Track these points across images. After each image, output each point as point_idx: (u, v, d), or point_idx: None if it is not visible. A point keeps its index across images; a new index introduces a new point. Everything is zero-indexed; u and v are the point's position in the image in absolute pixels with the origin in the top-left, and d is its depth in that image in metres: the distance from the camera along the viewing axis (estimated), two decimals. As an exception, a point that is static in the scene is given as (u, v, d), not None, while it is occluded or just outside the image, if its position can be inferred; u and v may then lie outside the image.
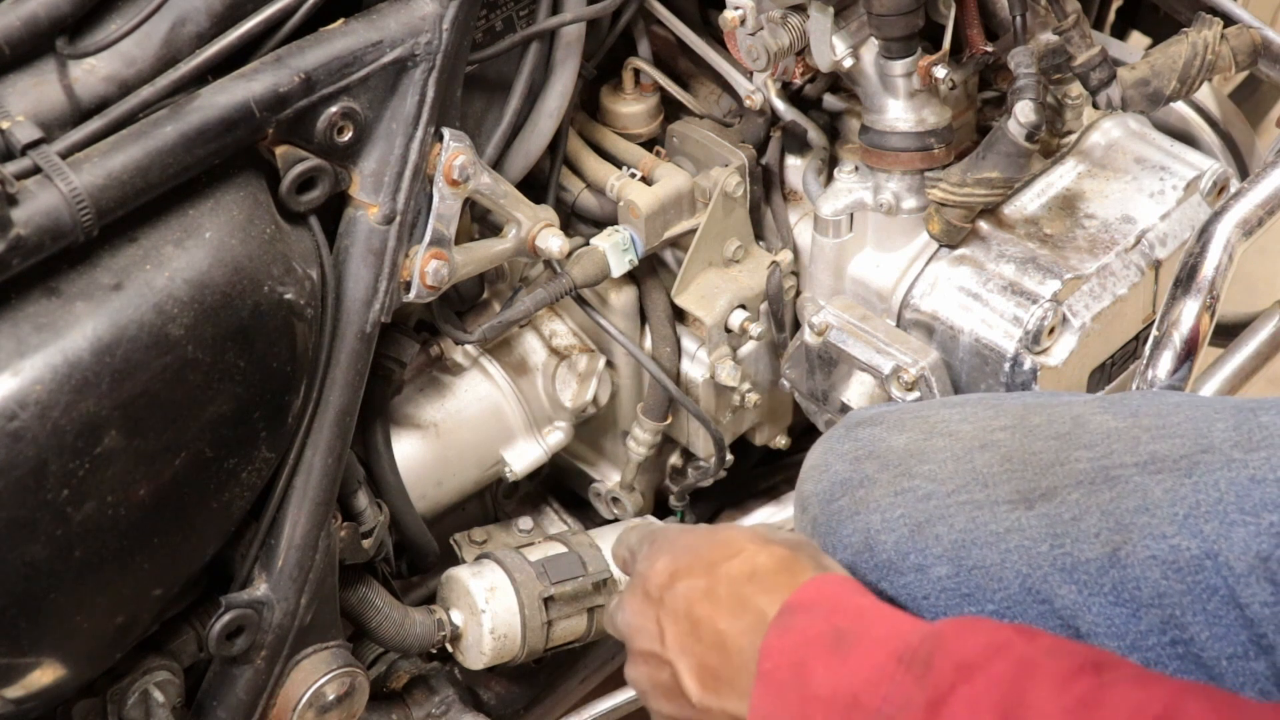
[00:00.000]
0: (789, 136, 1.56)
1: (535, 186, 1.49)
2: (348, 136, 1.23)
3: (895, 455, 1.11)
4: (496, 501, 1.67)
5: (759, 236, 1.57)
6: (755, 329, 1.53)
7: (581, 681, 1.65)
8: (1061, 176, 1.54)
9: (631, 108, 1.56)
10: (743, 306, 1.53)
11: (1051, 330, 1.43)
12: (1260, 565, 0.95)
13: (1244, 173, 1.65)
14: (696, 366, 1.55)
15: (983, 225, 1.48)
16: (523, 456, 1.56)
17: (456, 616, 1.43)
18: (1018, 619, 1.02)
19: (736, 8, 1.42)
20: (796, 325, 1.56)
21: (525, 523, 1.63)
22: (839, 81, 1.56)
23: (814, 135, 1.55)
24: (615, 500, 1.65)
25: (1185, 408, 1.05)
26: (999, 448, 1.08)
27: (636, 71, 1.55)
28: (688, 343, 1.55)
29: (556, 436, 1.57)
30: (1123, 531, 1.00)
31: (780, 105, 1.53)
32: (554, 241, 1.40)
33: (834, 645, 0.96)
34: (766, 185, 1.56)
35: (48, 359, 1.06)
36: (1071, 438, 1.06)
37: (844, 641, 0.96)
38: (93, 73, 1.16)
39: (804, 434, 1.72)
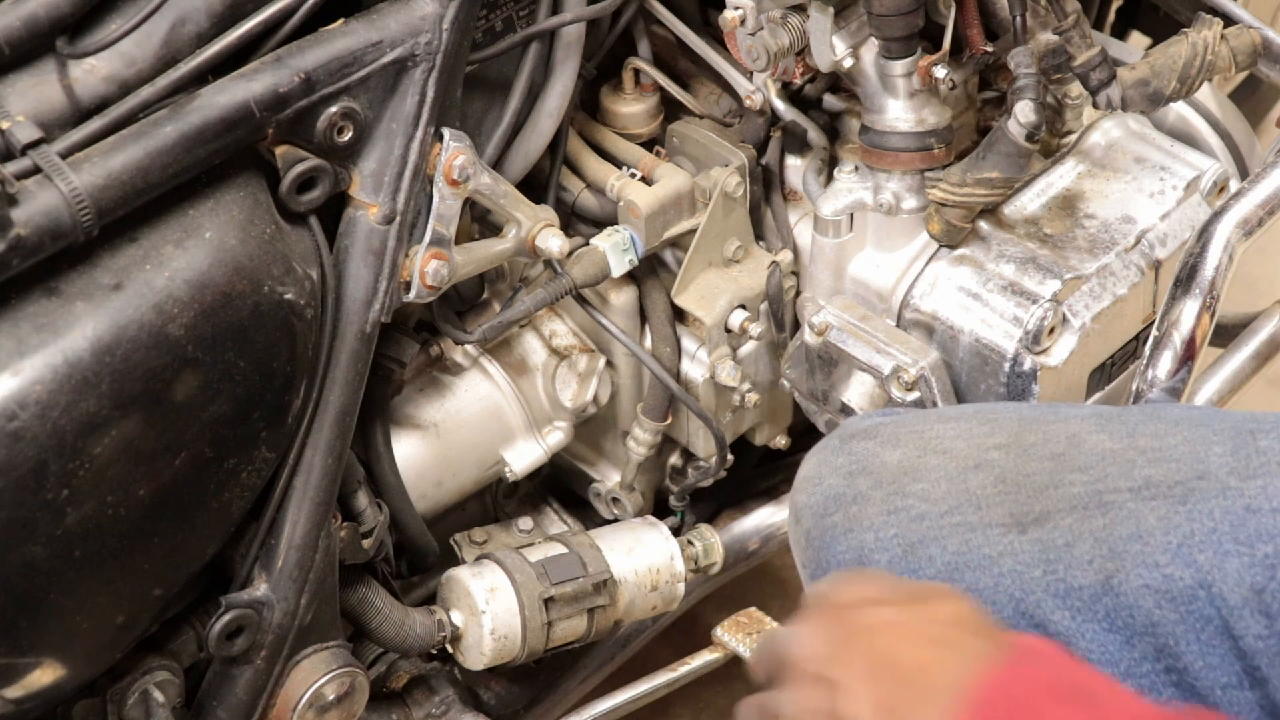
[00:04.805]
0: (789, 136, 1.56)
1: (535, 186, 1.49)
2: (348, 136, 1.23)
3: (889, 472, 1.11)
4: (496, 501, 1.67)
5: (759, 236, 1.57)
6: (755, 329, 1.53)
7: (581, 681, 1.65)
8: (1061, 176, 1.54)
9: (631, 108, 1.56)
10: (743, 306, 1.53)
11: (1051, 330, 1.43)
12: (1254, 598, 0.95)
13: (1244, 173, 1.65)
14: (696, 366, 1.55)
15: (983, 225, 1.48)
16: (523, 456, 1.56)
17: (457, 617, 1.43)
18: None
19: (736, 8, 1.42)
20: (796, 325, 1.56)
21: (525, 523, 1.63)
22: (839, 81, 1.56)
23: (814, 135, 1.55)
24: (615, 500, 1.65)
25: (1184, 427, 1.04)
26: (993, 468, 1.07)
27: (636, 71, 1.54)
28: (688, 343, 1.55)
29: (556, 436, 1.57)
30: (1116, 559, 0.99)
31: (780, 105, 1.53)
32: (554, 241, 1.40)
33: (1069, 697, 0.88)
34: (766, 185, 1.56)
35: (48, 359, 1.06)
36: (1066, 459, 1.06)
37: (1085, 698, 0.88)
38: (93, 73, 1.16)
39: (804, 434, 1.72)
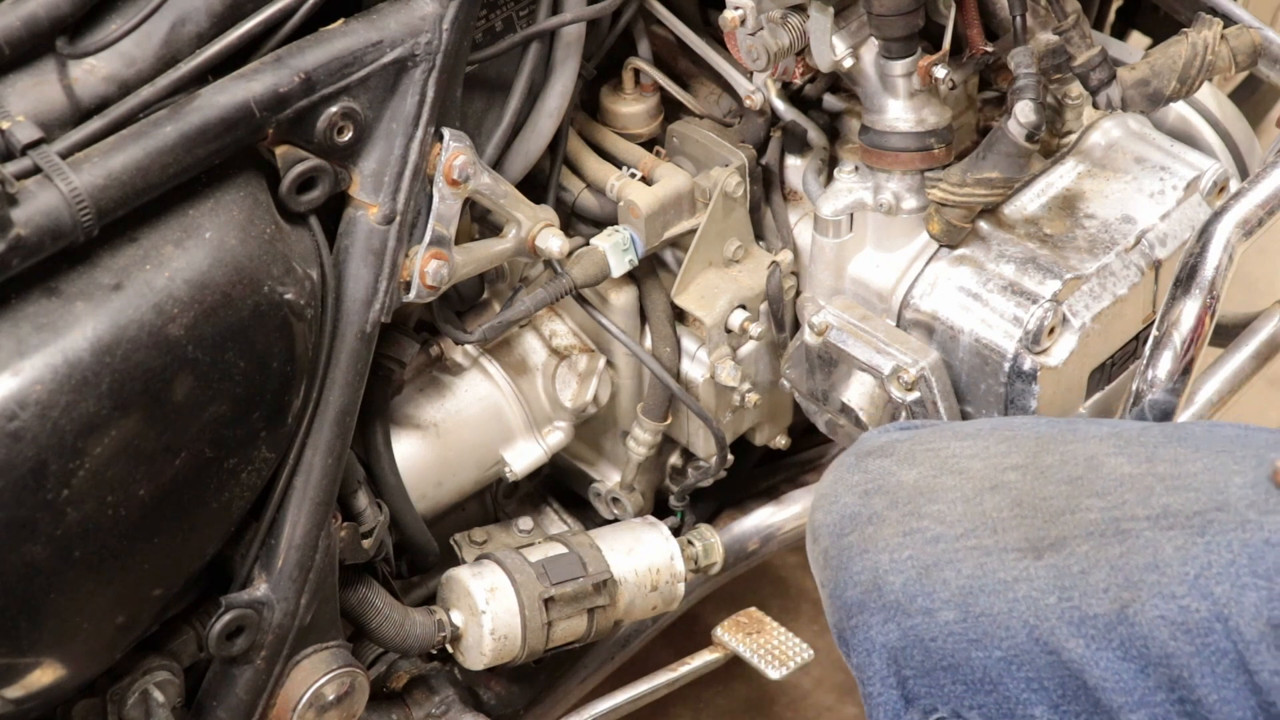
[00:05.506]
0: (789, 136, 1.56)
1: (535, 186, 1.49)
2: (348, 136, 1.23)
3: (905, 492, 1.10)
4: (496, 501, 1.67)
5: (759, 236, 1.57)
6: (755, 329, 1.53)
7: (581, 681, 1.65)
8: (1061, 176, 1.54)
9: (631, 108, 1.56)
10: (743, 306, 1.53)
11: (1051, 330, 1.43)
12: (1271, 632, 0.94)
13: (1244, 173, 1.65)
14: (696, 366, 1.55)
15: (983, 225, 1.48)
16: (523, 456, 1.56)
17: (457, 617, 1.43)
18: (1025, 667, 1.01)
19: (736, 8, 1.42)
20: (796, 325, 1.56)
21: (525, 523, 1.63)
22: (839, 81, 1.56)
23: (814, 135, 1.55)
24: (615, 500, 1.65)
25: (1205, 453, 1.03)
26: (1009, 490, 1.07)
27: (636, 71, 1.54)
28: (688, 343, 1.55)
29: (556, 436, 1.57)
30: (1132, 589, 0.99)
31: (780, 105, 1.53)
32: (554, 241, 1.40)
33: None
34: (766, 185, 1.56)
35: (48, 359, 1.06)
36: (1084, 483, 1.05)
37: None
38: (93, 73, 1.16)
39: (804, 434, 1.72)
